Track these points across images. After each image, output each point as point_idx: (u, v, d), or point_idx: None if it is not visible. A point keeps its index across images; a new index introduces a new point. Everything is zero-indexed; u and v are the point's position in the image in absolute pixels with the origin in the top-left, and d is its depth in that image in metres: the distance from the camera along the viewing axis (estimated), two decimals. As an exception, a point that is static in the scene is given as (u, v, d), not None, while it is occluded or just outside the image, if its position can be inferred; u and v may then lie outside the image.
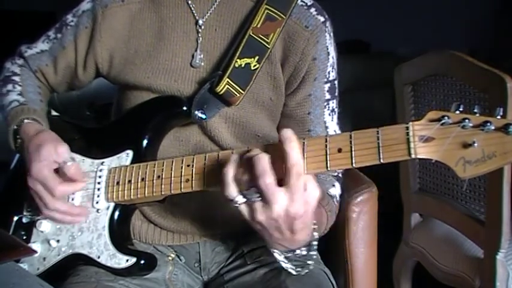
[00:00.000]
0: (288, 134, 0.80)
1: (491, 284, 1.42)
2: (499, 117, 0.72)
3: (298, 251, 0.88)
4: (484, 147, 0.72)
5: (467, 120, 0.73)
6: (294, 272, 0.92)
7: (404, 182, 1.76)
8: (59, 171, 1.01)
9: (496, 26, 3.56)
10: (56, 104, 1.31)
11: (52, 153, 1.00)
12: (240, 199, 0.82)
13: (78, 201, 1.03)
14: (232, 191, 0.82)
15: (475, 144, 0.72)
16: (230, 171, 0.83)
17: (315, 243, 0.89)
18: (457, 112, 0.74)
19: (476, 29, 3.56)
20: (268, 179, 0.78)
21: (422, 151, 0.75)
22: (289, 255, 0.89)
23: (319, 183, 1.06)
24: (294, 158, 0.79)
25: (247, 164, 0.81)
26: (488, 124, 0.71)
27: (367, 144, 0.78)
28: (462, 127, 0.73)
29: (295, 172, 0.78)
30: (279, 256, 0.90)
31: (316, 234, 0.89)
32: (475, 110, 0.74)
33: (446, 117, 0.74)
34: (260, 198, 0.80)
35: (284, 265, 0.91)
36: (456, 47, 1.52)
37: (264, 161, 0.79)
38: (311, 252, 0.89)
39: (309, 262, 0.91)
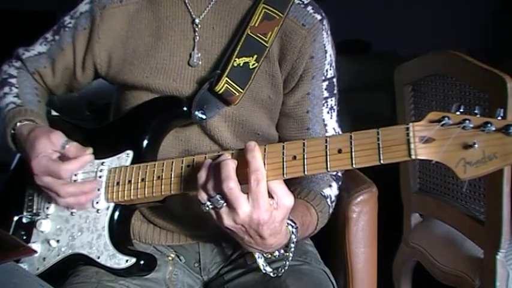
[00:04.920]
0: (251, 146, 0.84)
1: (491, 284, 1.42)
2: (499, 118, 0.72)
3: (276, 252, 0.91)
4: (484, 148, 0.72)
5: (467, 121, 0.72)
6: (272, 275, 0.95)
7: (405, 182, 1.76)
8: (62, 158, 1.01)
9: (495, 26, 3.57)
10: (55, 103, 1.31)
11: (47, 144, 1.00)
12: (209, 204, 0.85)
13: None
14: (203, 196, 0.85)
15: (476, 145, 0.72)
16: (202, 177, 0.86)
17: (293, 245, 0.91)
18: (458, 113, 0.74)
19: (475, 29, 3.56)
20: (231, 183, 0.81)
21: (422, 152, 0.75)
22: (268, 256, 0.92)
23: (314, 183, 1.07)
24: (254, 165, 0.82)
25: (215, 170, 0.84)
26: (489, 125, 0.71)
27: (368, 145, 0.78)
28: (463, 128, 0.73)
29: (254, 178, 0.81)
30: (258, 259, 0.93)
31: (293, 237, 0.90)
32: (476, 111, 0.73)
33: (446, 118, 0.74)
34: (225, 204, 0.83)
35: (262, 267, 0.94)
36: (455, 47, 1.52)
37: (228, 167, 0.82)
38: (287, 254, 0.91)
39: (285, 262, 0.93)
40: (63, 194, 0.99)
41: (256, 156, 0.83)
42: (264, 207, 0.81)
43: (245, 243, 0.89)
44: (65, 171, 0.98)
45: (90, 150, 1.03)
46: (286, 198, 0.84)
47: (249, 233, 0.85)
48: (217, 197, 0.83)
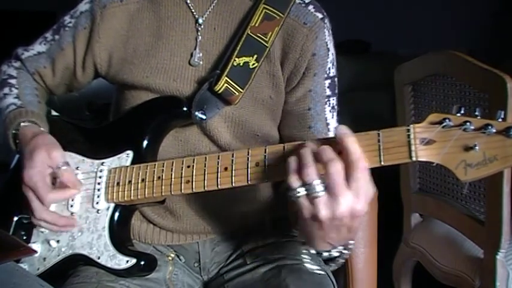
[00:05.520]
0: (344, 129, 0.77)
1: (491, 284, 1.42)
2: (500, 120, 0.72)
3: (340, 247, 0.85)
4: (485, 150, 0.72)
5: (468, 123, 0.72)
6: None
7: (405, 182, 1.76)
8: (53, 176, 1.01)
9: (495, 27, 3.57)
10: (55, 103, 1.31)
11: (45, 158, 1.00)
12: (302, 191, 0.77)
13: (78, 202, 1.03)
14: (294, 181, 0.77)
15: (476, 148, 0.72)
16: (293, 161, 0.79)
17: (352, 242, 0.86)
18: (458, 115, 0.74)
19: (475, 30, 3.57)
20: (338, 164, 0.74)
21: (423, 154, 0.75)
22: (325, 254, 0.86)
23: None
24: (358, 151, 0.75)
25: (311, 156, 0.77)
26: (490, 127, 0.71)
27: (368, 146, 0.78)
28: (463, 130, 0.73)
29: (362, 166, 0.74)
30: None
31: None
32: (476, 113, 0.73)
33: (447, 120, 0.74)
34: (324, 192, 0.75)
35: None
36: (455, 47, 1.52)
37: (330, 149, 0.76)
38: (345, 251, 0.86)
39: (340, 260, 0.88)
40: (38, 217, 1.01)
41: (355, 141, 0.76)
42: (365, 198, 0.75)
43: (324, 239, 0.80)
44: (49, 199, 0.99)
45: (79, 186, 1.03)
46: (373, 186, 0.78)
47: (340, 227, 0.77)
48: (315, 182, 0.75)
